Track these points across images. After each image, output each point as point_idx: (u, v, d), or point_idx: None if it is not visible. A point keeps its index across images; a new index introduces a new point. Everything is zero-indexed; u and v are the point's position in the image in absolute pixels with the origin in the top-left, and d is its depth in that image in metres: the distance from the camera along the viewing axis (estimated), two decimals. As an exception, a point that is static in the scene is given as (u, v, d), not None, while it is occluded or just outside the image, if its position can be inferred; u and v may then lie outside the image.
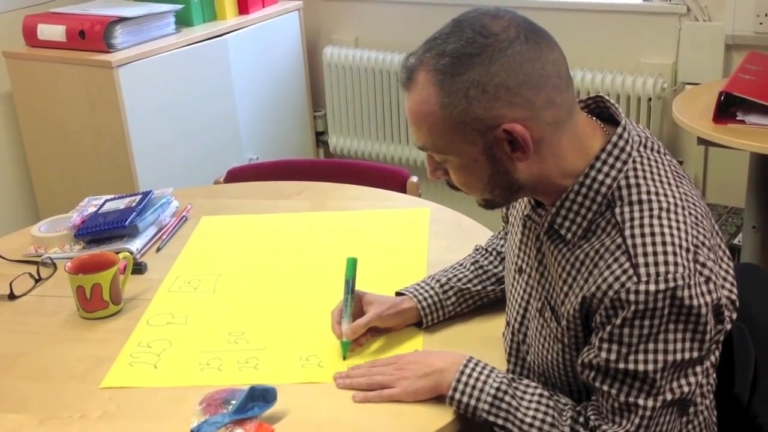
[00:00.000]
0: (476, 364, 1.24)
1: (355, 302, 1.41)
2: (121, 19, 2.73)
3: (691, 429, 1.24)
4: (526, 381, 1.24)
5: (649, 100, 2.87)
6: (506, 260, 1.39)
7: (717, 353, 1.20)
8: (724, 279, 1.16)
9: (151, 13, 2.83)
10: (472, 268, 1.49)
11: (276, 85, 3.31)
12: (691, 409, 1.22)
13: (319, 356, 1.37)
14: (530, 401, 1.19)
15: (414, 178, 2.13)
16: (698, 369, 1.13)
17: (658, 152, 1.20)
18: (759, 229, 2.48)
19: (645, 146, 1.19)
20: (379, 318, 1.41)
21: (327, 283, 1.57)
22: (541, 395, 1.20)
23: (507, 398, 1.19)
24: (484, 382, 1.21)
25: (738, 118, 2.23)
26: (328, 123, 3.57)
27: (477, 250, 1.54)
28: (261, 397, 1.22)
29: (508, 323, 1.34)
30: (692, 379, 1.12)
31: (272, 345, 1.41)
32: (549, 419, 1.17)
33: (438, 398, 1.24)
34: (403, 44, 3.30)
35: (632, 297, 1.08)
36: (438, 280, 1.46)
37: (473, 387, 1.21)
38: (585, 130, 1.18)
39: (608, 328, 1.11)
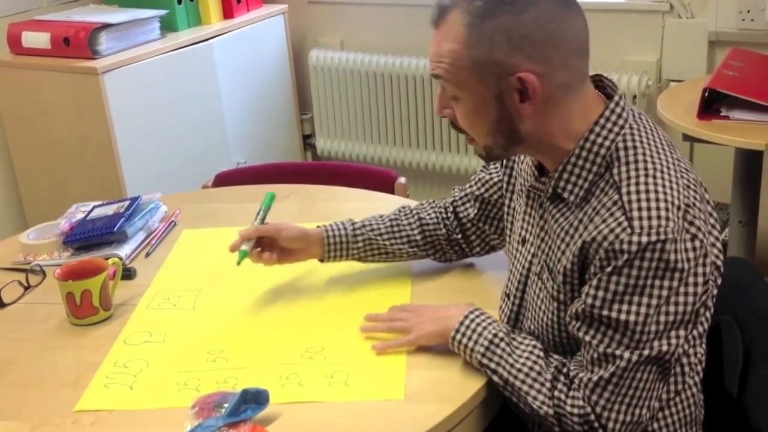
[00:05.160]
0: (480, 314, 1.31)
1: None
2: (106, 26, 2.73)
3: (678, 402, 1.27)
4: (524, 335, 1.29)
5: (634, 97, 2.88)
6: (509, 236, 1.43)
7: (705, 324, 1.23)
8: (712, 245, 1.19)
9: (135, 19, 2.83)
10: (389, 223, 1.56)
11: (262, 88, 3.31)
12: (679, 381, 1.25)
13: (299, 375, 1.32)
14: (523, 351, 1.25)
15: (402, 179, 2.13)
16: (681, 332, 1.16)
17: (652, 124, 1.27)
18: (745, 223, 2.50)
19: (640, 118, 1.25)
20: (278, 231, 1.52)
21: (308, 299, 1.55)
22: (534, 347, 1.26)
23: (502, 345, 1.26)
24: (484, 328, 1.29)
25: (722, 114, 2.25)
26: (315, 126, 3.57)
27: (402, 209, 1.59)
28: (254, 399, 1.23)
29: (507, 295, 1.39)
30: (673, 341, 1.16)
31: (252, 363, 1.37)
32: (537, 368, 1.23)
33: (433, 399, 1.25)
34: (388, 46, 3.30)
35: (625, 246, 1.13)
36: (353, 224, 1.56)
37: (473, 330, 1.29)
38: (591, 99, 1.24)
39: (598, 275, 1.16)
